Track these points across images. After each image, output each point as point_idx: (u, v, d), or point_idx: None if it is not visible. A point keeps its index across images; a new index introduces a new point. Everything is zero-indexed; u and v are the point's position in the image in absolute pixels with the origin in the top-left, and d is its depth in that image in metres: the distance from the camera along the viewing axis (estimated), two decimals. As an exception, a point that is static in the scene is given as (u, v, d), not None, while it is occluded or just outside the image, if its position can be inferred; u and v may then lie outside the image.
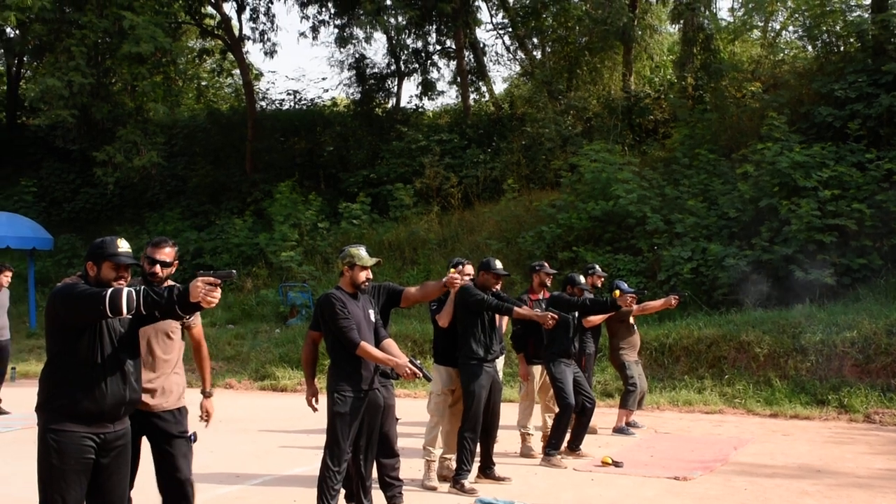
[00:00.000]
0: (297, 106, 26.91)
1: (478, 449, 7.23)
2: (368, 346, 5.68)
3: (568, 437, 8.38)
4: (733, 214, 14.63)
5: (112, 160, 20.31)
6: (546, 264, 8.78)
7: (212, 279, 3.95)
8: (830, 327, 11.92)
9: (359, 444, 5.85)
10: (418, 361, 5.70)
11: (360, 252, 5.88)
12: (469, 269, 7.41)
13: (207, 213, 22.32)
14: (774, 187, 14.17)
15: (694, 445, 9.06)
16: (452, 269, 7.38)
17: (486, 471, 7.37)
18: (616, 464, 7.99)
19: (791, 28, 19.45)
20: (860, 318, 11.87)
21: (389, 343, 5.89)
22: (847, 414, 10.70)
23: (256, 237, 19.71)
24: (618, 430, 9.78)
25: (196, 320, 5.41)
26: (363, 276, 5.86)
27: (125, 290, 3.97)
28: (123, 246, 4.27)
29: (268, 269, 19.01)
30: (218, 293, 3.96)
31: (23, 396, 11.46)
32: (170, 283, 5.03)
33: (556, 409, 8.21)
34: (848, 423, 10.47)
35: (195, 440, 5.23)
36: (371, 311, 5.92)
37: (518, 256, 16.56)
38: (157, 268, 4.99)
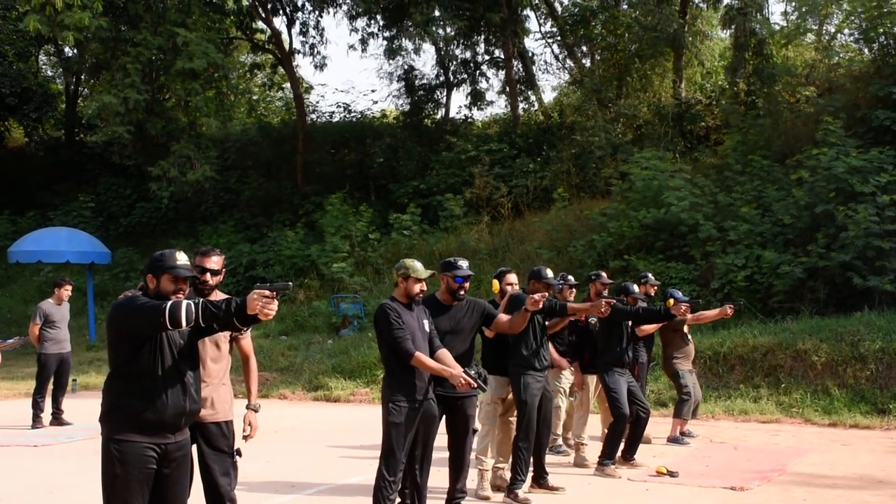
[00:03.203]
0: (346, 118, 27.14)
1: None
2: (423, 357, 5.71)
3: (622, 446, 8.32)
4: (788, 221, 14.40)
5: (166, 175, 20.65)
6: (604, 274, 8.69)
7: (268, 292, 4.00)
8: (891, 335, 11.66)
9: (414, 453, 5.88)
10: (473, 372, 5.69)
11: (416, 265, 5.94)
12: (513, 277, 7.37)
13: (260, 226, 22.58)
14: (830, 193, 13.92)
15: (751, 455, 8.93)
16: (496, 280, 7.41)
17: (540, 480, 7.34)
18: (671, 473, 7.91)
19: (847, 31, 19.10)
20: (921, 326, 11.62)
21: (444, 353, 5.91)
22: (909, 423, 10.47)
23: (308, 249, 19.88)
24: (672, 440, 9.69)
25: (245, 332, 5.45)
26: (417, 287, 5.90)
27: (184, 302, 4.04)
28: (182, 259, 4.34)
29: (320, 281, 19.17)
30: (275, 305, 4.00)
31: (84, 407, 11.71)
32: (222, 294, 5.11)
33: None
34: (910, 432, 10.24)
35: (240, 456, 5.26)
36: (426, 322, 5.95)
37: (569, 265, 16.47)
38: (207, 276, 5.11)
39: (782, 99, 18.16)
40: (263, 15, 24.51)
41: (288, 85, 27.04)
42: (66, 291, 11.44)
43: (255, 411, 5.54)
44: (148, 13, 20.29)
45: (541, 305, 6.26)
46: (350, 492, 7.40)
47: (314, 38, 25.90)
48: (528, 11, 24.80)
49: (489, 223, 19.45)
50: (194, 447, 4.95)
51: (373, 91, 46.21)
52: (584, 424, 8.65)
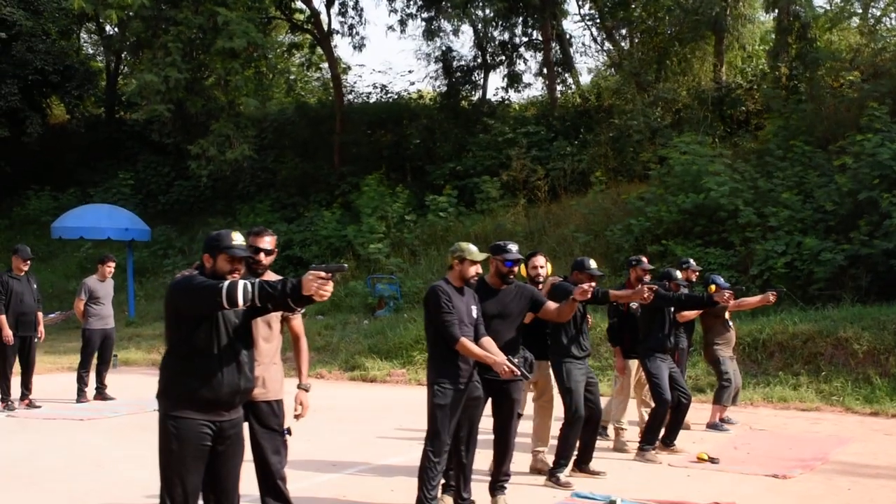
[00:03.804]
0: (384, 99, 27.19)
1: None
2: (468, 343, 5.71)
3: (662, 432, 8.31)
4: (830, 207, 14.24)
5: (205, 153, 20.82)
6: (644, 259, 8.59)
7: (323, 273, 4.03)
8: (935, 324, 11.53)
9: (459, 435, 5.91)
10: (517, 359, 5.70)
11: (471, 247, 5.94)
12: (539, 260, 7.32)
13: (296, 206, 22.72)
14: (874, 179, 13.74)
15: (791, 443, 8.88)
16: (522, 265, 7.38)
17: (581, 465, 7.35)
18: (712, 460, 7.88)
19: (893, 14, 18.80)
20: (966, 315, 11.47)
21: (488, 341, 5.91)
22: (953, 414, 10.34)
23: (344, 229, 19.98)
24: (711, 426, 9.65)
25: (298, 312, 5.50)
26: (473, 270, 5.90)
27: (241, 282, 4.08)
28: (238, 239, 4.39)
29: (356, 261, 19.25)
30: (330, 287, 4.03)
31: (125, 382, 11.94)
32: (273, 275, 5.17)
33: (652, 404, 8.15)
34: (954, 423, 10.12)
35: (290, 434, 5.33)
36: (474, 308, 5.95)
37: (606, 250, 16.45)
38: (261, 255, 5.17)
39: (825, 84, 17.93)
40: (302, -5, 24.58)
41: (326, 65, 27.11)
42: (110, 268, 11.60)
43: (306, 391, 5.59)
44: (189, -8, 20.42)
45: (589, 295, 6.24)
46: (391, 472, 7.46)
47: (353, 18, 26.01)
48: (567, -7, 24.68)
49: (525, 206, 19.42)
50: (246, 425, 5.03)
51: (410, 72, 46.30)
52: (624, 409, 8.64)
